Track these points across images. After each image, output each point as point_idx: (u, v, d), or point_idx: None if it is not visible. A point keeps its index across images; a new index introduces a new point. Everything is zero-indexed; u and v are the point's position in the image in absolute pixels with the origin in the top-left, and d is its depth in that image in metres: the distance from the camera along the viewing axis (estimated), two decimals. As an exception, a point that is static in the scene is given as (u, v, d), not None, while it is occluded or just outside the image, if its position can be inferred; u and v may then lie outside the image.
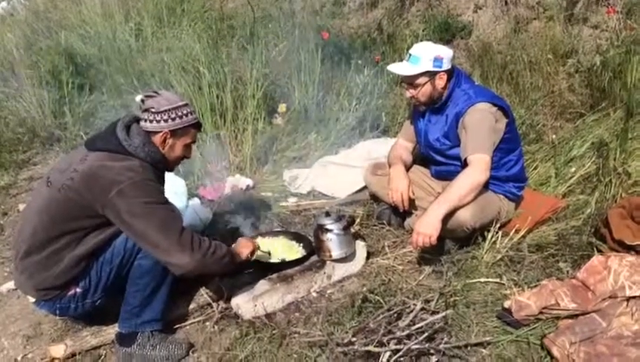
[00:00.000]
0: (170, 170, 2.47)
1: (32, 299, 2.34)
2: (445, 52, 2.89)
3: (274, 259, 2.85)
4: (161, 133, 2.28)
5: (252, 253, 2.57)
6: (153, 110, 2.25)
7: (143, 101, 2.29)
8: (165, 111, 2.26)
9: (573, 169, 3.58)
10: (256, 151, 4.24)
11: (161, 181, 2.39)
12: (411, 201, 3.08)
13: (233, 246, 2.51)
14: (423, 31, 5.48)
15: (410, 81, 2.93)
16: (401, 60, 3.05)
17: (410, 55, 2.90)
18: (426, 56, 2.84)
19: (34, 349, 2.48)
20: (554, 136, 4.05)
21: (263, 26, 4.96)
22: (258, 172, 4.22)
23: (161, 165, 2.35)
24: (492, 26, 5.54)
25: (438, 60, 2.85)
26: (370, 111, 4.60)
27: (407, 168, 3.25)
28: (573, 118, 4.37)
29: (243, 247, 2.54)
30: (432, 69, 2.85)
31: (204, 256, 2.18)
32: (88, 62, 5.56)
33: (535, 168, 3.69)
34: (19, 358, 2.44)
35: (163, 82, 4.69)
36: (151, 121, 2.27)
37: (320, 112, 4.61)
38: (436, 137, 3.03)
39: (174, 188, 3.24)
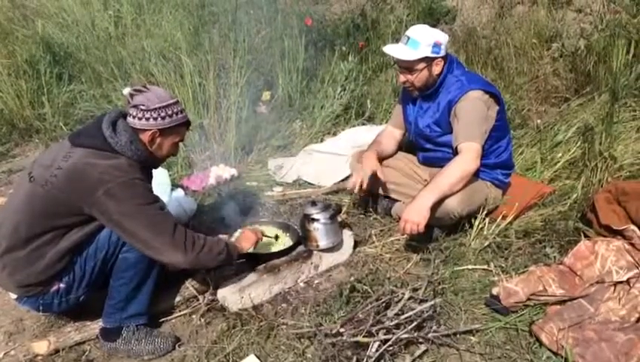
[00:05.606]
0: (157, 167, 2.42)
1: (13, 296, 2.28)
2: (443, 37, 2.85)
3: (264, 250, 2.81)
4: (150, 132, 2.22)
5: (255, 244, 2.59)
6: (143, 107, 2.18)
7: (131, 96, 2.21)
8: (155, 109, 2.19)
9: (559, 154, 3.59)
10: (240, 140, 4.18)
11: (149, 178, 2.34)
12: (382, 184, 3.11)
13: (236, 236, 2.53)
14: (407, 16, 5.43)
15: (408, 66, 2.86)
16: (386, 45, 3.01)
17: (408, 38, 2.82)
18: (425, 41, 2.78)
19: (16, 346, 2.42)
20: (539, 121, 4.06)
21: (245, 12, 4.88)
22: (243, 161, 4.17)
23: (148, 163, 2.29)
24: (476, 10, 5.52)
25: (437, 46, 2.80)
26: (354, 98, 4.57)
27: (390, 155, 3.26)
28: (558, 103, 4.39)
29: (245, 240, 2.54)
30: (430, 54, 2.80)
31: (197, 254, 2.18)
32: (66, 51, 5.45)
33: (521, 153, 3.69)
34: (1, 355, 2.38)
35: (143, 71, 4.61)
36: (140, 119, 2.20)
37: (304, 100, 4.57)
38: (427, 124, 3.00)
39: (157, 178, 3.15)
